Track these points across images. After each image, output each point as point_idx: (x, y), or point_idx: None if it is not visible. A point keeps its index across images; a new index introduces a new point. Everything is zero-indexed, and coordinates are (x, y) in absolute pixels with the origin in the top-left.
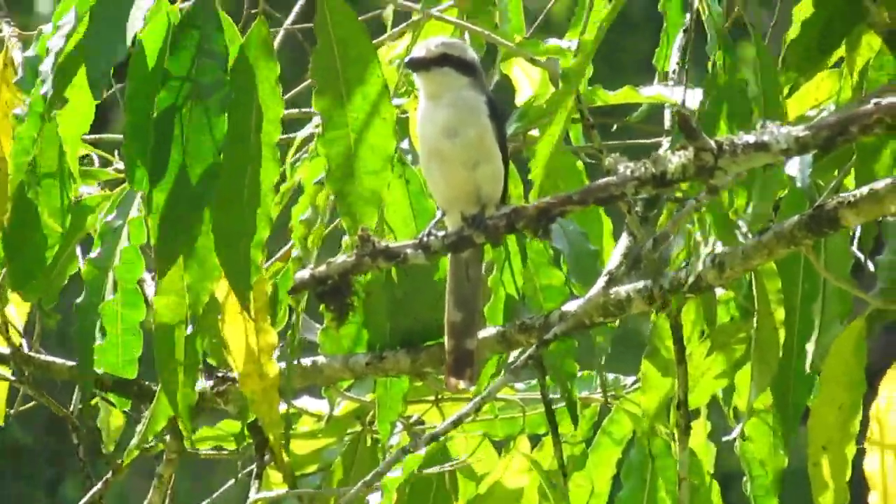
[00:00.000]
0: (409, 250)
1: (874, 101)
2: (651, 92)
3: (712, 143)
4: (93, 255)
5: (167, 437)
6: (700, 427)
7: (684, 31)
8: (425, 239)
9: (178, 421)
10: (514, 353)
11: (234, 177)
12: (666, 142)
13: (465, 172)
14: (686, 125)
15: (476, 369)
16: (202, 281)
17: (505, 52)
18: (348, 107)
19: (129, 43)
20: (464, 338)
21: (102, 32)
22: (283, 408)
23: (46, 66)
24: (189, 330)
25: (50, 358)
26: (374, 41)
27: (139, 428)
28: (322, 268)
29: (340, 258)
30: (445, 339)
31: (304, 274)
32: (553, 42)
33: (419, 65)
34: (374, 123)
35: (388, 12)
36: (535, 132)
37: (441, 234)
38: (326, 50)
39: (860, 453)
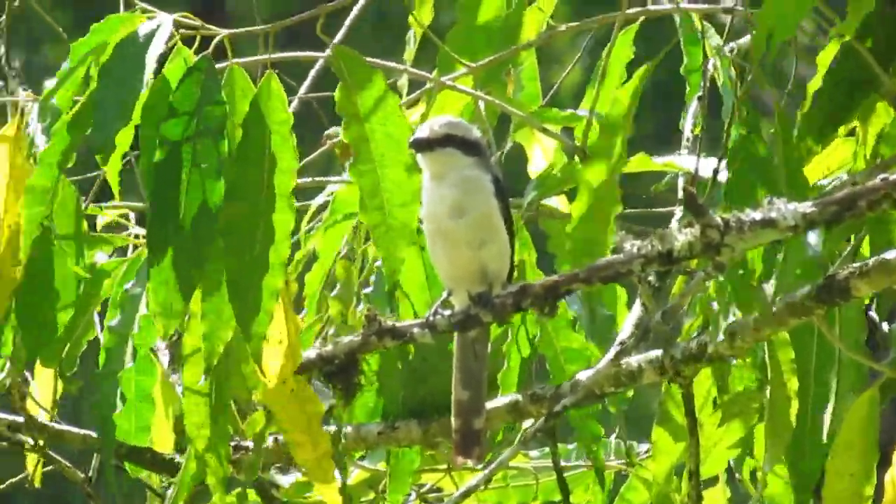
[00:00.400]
0: (415, 329)
1: (881, 176)
2: (664, 160)
3: (718, 220)
4: (112, 322)
5: None
6: (719, 493)
7: (699, 98)
8: (431, 318)
9: (213, 494)
10: (526, 423)
11: (247, 226)
12: (678, 210)
13: (471, 252)
14: (692, 202)
15: (483, 447)
16: (217, 331)
17: (518, 122)
18: (373, 145)
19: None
20: (471, 416)
21: (109, 103)
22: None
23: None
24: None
25: (64, 427)
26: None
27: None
28: (329, 348)
29: (346, 338)
30: (452, 417)
31: (311, 354)
32: (568, 111)
33: (423, 145)
34: (401, 160)
35: (403, 81)
36: (550, 201)
37: (447, 313)
38: (350, 90)
39: None
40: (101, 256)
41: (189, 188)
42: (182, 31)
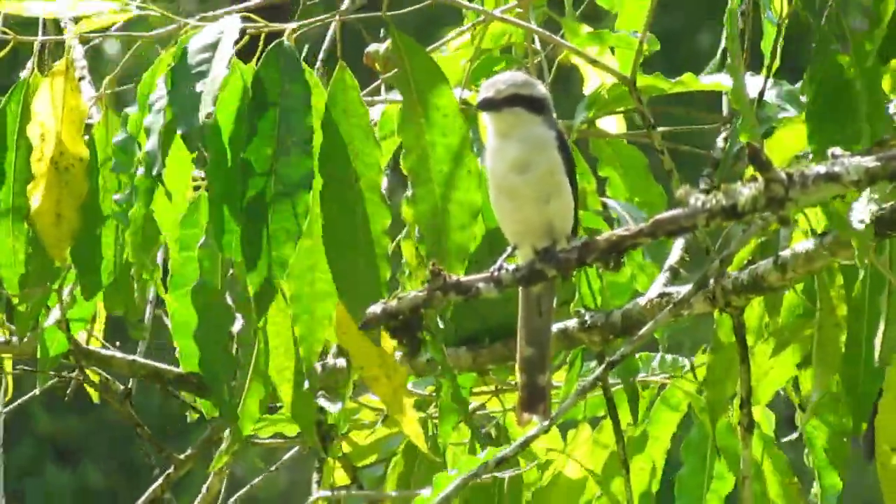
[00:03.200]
0: (480, 284)
1: None
2: (710, 80)
3: (783, 174)
4: (196, 283)
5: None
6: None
7: (741, 14)
8: (497, 273)
9: (307, 437)
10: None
11: (342, 226)
12: (724, 130)
13: (537, 207)
14: (756, 157)
15: (548, 403)
16: (313, 331)
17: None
18: (432, 160)
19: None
20: (536, 373)
21: (184, 92)
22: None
23: (152, 145)
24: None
25: (110, 352)
26: (435, 45)
27: (226, 434)
28: (393, 303)
29: (412, 293)
30: (517, 373)
31: (376, 309)
32: (619, 32)
33: (490, 106)
34: (460, 176)
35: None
36: (601, 122)
37: (512, 268)
38: (409, 106)
39: None
40: None
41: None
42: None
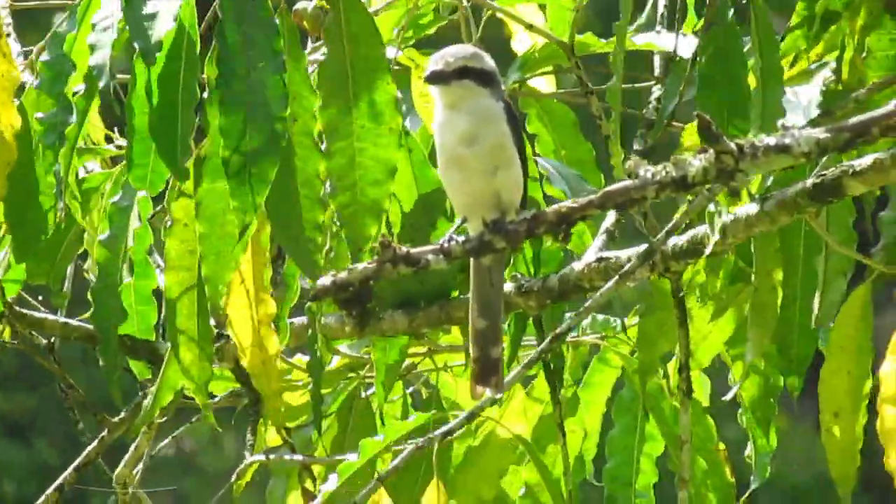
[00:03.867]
0: (430, 256)
1: (895, 102)
2: (643, 40)
3: (733, 145)
4: (102, 237)
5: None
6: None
7: None
8: (446, 245)
9: (195, 395)
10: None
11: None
12: (657, 89)
13: (485, 179)
14: (706, 129)
15: (501, 376)
16: (220, 273)
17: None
18: (355, 114)
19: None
20: (489, 345)
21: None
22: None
23: (99, 59)
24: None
25: (42, 315)
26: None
27: (146, 402)
28: (343, 274)
29: (361, 265)
30: (470, 345)
31: (326, 281)
32: None
33: (439, 79)
34: (381, 133)
35: None
36: (533, 83)
37: (462, 239)
38: (337, 55)
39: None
40: (92, 166)
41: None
42: None
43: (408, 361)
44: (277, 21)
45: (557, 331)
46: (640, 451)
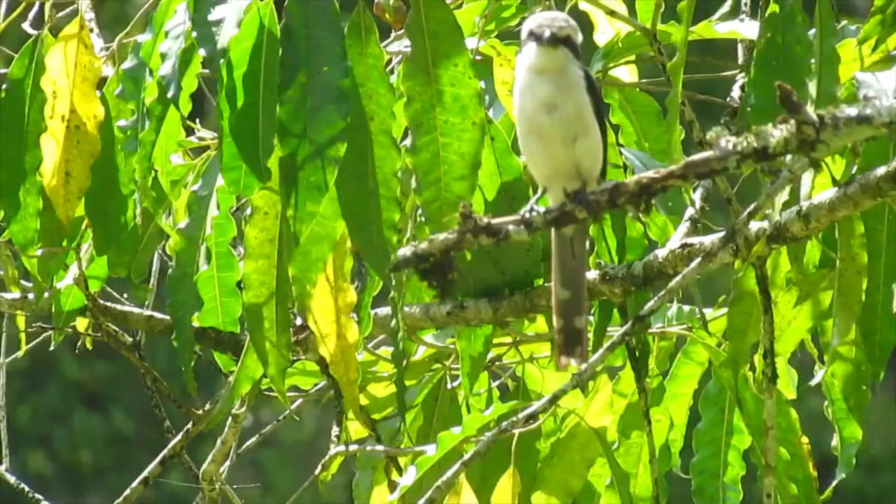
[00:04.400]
0: (510, 227)
1: None
2: (726, 28)
3: (814, 116)
4: (181, 225)
5: None
6: (782, 365)
7: None
8: (527, 215)
9: (273, 383)
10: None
11: (356, 170)
12: (741, 77)
13: (565, 148)
14: (788, 100)
15: (585, 347)
16: (307, 272)
17: None
18: (438, 109)
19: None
20: (573, 316)
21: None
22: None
23: (168, 69)
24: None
25: (127, 308)
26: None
27: (223, 392)
28: (424, 245)
29: (442, 235)
30: (553, 317)
31: (406, 251)
32: None
33: (554, 41)
34: (465, 127)
35: None
36: (615, 72)
37: (543, 210)
38: (419, 51)
39: None
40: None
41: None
42: None
43: (493, 353)
44: (352, 20)
45: (640, 313)
46: (728, 443)
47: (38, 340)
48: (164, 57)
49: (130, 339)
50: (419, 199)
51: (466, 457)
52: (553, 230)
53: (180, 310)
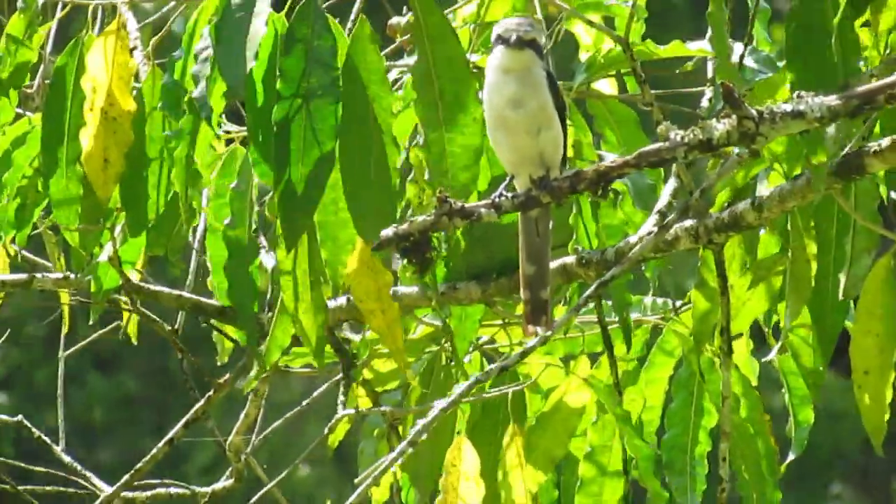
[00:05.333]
0: (482, 210)
1: None
2: (696, 46)
3: (753, 111)
4: (226, 221)
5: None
6: (743, 346)
7: None
8: (497, 199)
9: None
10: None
11: (359, 161)
12: (709, 91)
13: (529, 139)
14: (729, 96)
15: (550, 316)
16: (338, 255)
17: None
18: (441, 107)
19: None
20: (538, 289)
21: (229, 48)
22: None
23: (200, 92)
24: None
25: (158, 287)
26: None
27: (252, 359)
28: (404, 226)
29: (421, 217)
30: (521, 290)
31: (388, 231)
32: (612, 1)
33: (521, 44)
34: (466, 122)
35: None
36: (597, 85)
37: (510, 195)
38: (423, 56)
39: None
40: None
41: (304, 146)
42: None
43: (486, 337)
44: (355, 31)
45: (602, 279)
46: (697, 423)
47: (104, 330)
48: (196, 79)
49: (168, 328)
50: (430, 188)
51: (444, 403)
52: (520, 213)
53: (242, 296)
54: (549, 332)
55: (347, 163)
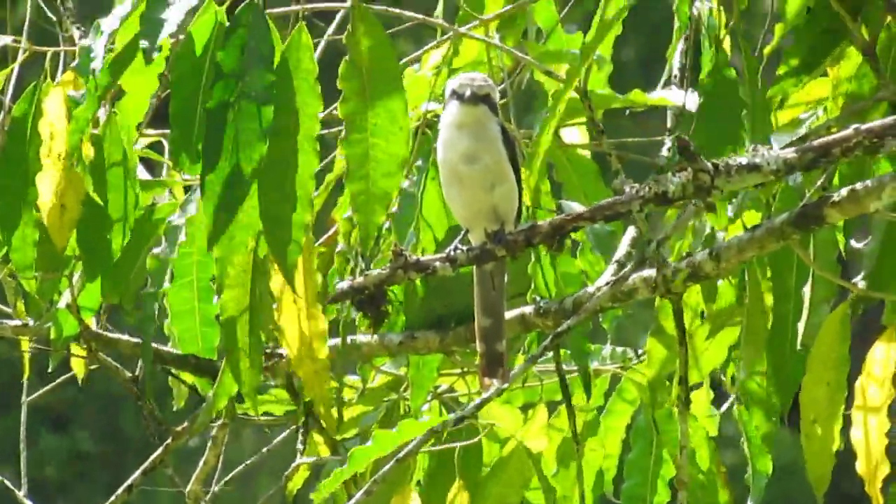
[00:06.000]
0: (437, 263)
1: (854, 126)
2: (656, 95)
3: (709, 164)
4: (156, 249)
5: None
6: (703, 396)
7: (685, 38)
8: (452, 253)
9: (246, 399)
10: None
11: (278, 167)
12: (668, 139)
13: (484, 194)
14: (685, 149)
15: (506, 368)
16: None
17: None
18: (370, 114)
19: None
20: (494, 341)
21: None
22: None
23: (98, 45)
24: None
25: (116, 335)
26: (413, 55)
27: (204, 406)
28: (360, 279)
29: (376, 271)
30: (477, 342)
31: (344, 285)
32: (572, 52)
33: (475, 100)
34: (393, 131)
35: (438, 12)
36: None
37: (466, 248)
38: (356, 62)
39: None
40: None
41: (234, 146)
42: None
43: (444, 385)
44: (292, 36)
45: (559, 329)
46: (655, 473)
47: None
48: (102, 34)
49: (129, 375)
50: (349, 188)
51: (401, 454)
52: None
53: (146, 322)
54: (504, 385)
55: (267, 171)
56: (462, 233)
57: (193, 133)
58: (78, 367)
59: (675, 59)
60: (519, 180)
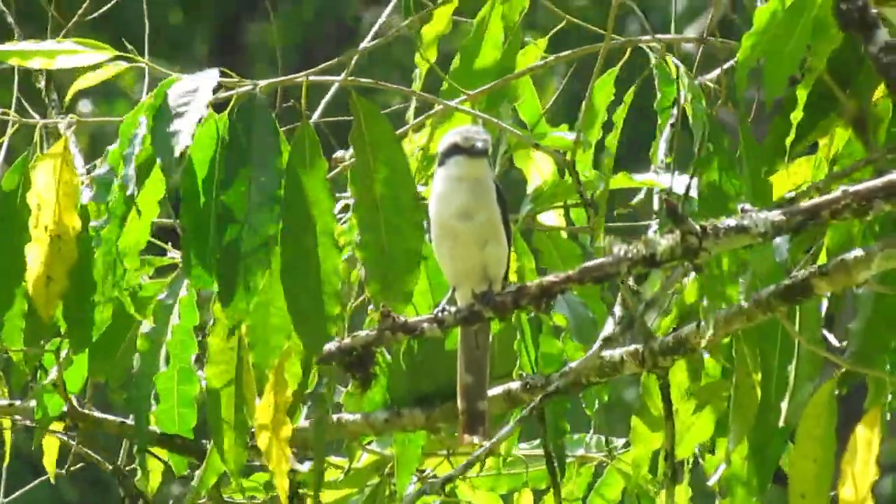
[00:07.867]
0: (425, 325)
1: (842, 188)
2: (643, 178)
3: (697, 227)
4: (145, 329)
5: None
6: (681, 488)
7: (671, 125)
8: (440, 314)
9: (231, 477)
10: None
11: (300, 264)
12: (654, 223)
13: (475, 252)
14: (673, 211)
15: (487, 426)
16: (266, 359)
17: (515, 143)
18: (382, 211)
19: (189, 140)
20: (475, 399)
21: (163, 126)
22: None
23: (129, 171)
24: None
25: (102, 415)
26: (397, 132)
27: (192, 484)
28: (347, 340)
29: (364, 332)
30: (458, 400)
31: (332, 346)
32: (558, 134)
33: (482, 153)
34: (406, 228)
35: (411, 108)
36: (543, 217)
37: (453, 309)
38: (363, 159)
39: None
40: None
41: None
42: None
43: (430, 469)
44: (297, 135)
45: (548, 391)
46: None
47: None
48: (126, 160)
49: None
50: (368, 289)
51: None
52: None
53: (139, 405)
54: (486, 443)
55: (287, 270)
56: (449, 292)
57: (206, 251)
58: (49, 466)
59: (661, 147)
60: (510, 238)
